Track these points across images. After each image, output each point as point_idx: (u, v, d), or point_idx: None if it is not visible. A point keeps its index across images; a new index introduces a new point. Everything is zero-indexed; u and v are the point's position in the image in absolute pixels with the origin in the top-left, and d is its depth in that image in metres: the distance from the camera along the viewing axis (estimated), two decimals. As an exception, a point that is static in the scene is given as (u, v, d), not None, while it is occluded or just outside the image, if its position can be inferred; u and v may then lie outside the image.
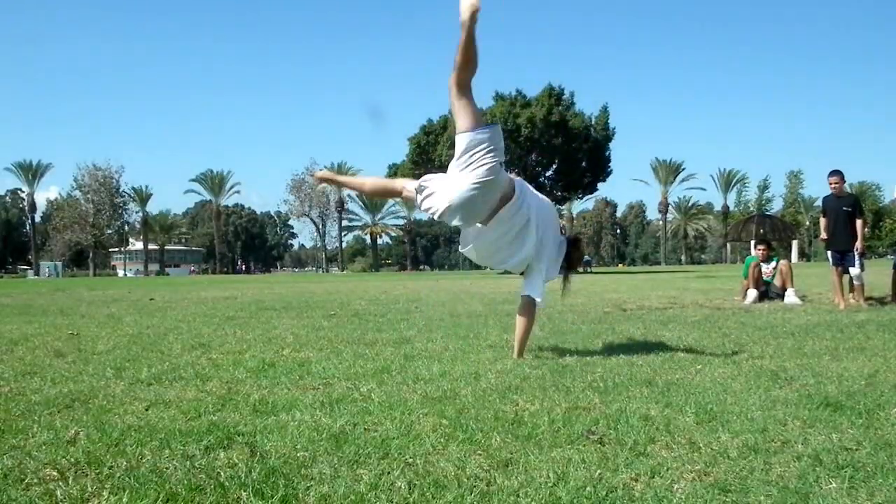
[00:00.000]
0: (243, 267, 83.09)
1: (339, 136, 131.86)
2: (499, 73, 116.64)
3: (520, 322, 3.90)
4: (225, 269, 78.65)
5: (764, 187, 75.29)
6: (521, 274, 3.95)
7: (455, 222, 3.64)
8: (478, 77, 3.51)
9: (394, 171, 41.46)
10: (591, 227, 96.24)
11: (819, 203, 8.96)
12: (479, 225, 3.71)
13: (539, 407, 2.63)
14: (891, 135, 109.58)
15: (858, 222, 8.00)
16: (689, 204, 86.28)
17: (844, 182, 8.23)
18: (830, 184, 8.13)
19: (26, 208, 76.04)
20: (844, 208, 8.04)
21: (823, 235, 8.36)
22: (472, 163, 3.46)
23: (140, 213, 76.95)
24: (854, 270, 7.93)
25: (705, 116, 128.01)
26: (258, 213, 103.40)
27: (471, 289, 14.62)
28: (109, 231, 72.02)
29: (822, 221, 8.38)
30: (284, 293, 13.22)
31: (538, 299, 3.83)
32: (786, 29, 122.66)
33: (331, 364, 3.75)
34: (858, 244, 7.90)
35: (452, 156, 3.57)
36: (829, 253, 8.31)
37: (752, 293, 8.65)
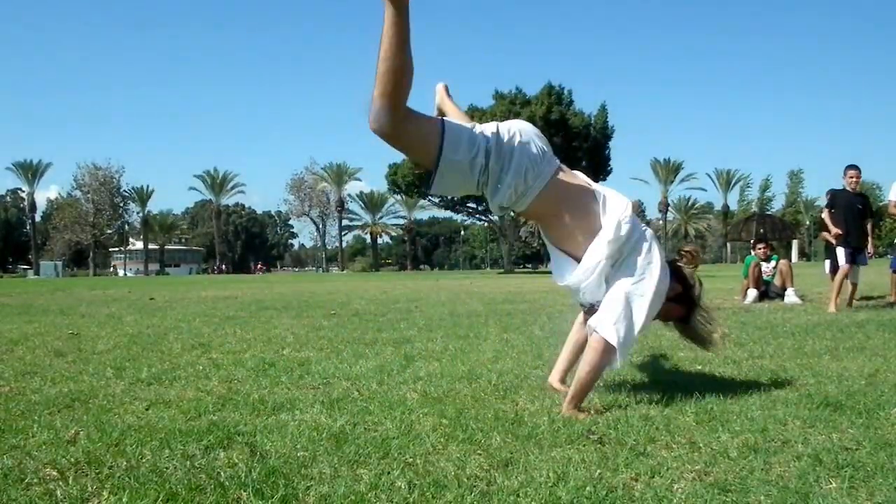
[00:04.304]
0: (223, 266, 77.19)
1: (339, 136, 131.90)
2: (498, 71, 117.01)
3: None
4: (207, 269, 77.43)
5: (765, 187, 75.37)
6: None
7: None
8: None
9: (394, 171, 41.48)
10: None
11: (820, 202, 8.75)
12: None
13: (539, 407, 2.63)
14: (891, 135, 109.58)
15: (869, 222, 7.67)
16: (690, 204, 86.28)
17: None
18: (850, 177, 7.53)
19: (26, 208, 75.93)
20: (859, 206, 7.53)
21: (836, 231, 7.40)
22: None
23: (140, 213, 76.99)
24: (861, 269, 7.65)
25: (705, 116, 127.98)
26: (258, 212, 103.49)
27: (471, 289, 14.63)
28: (109, 231, 72.01)
29: (829, 215, 7.60)
30: (284, 293, 13.22)
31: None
32: (786, 28, 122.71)
33: (331, 364, 3.75)
34: (869, 246, 7.60)
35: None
36: (841, 250, 7.41)
37: (752, 293, 8.65)
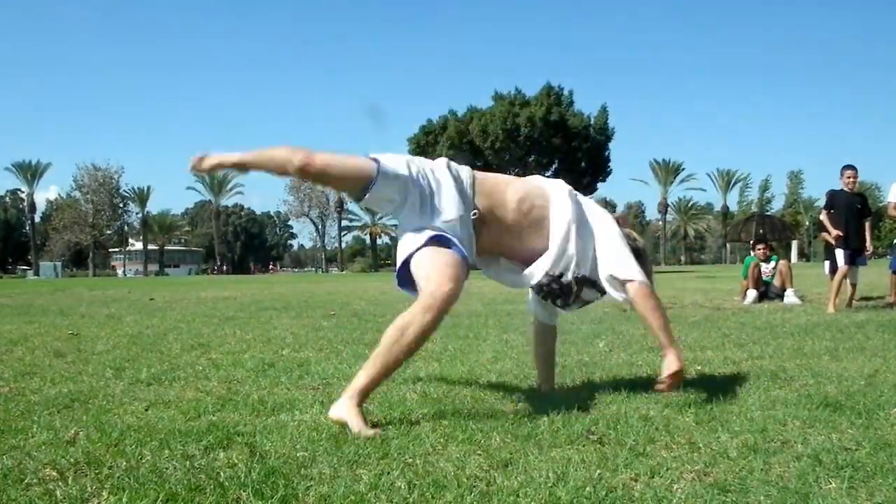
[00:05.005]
0: (223, 267, 77.45)
1: (339, 136, 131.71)
2: (497, 72, 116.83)
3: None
4: (206, 270, 78.03)
5: (765, 188, 75.39)
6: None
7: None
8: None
9: (393, 172, 41.55)
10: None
11: (819, 203, 8.75)
12: None
13: (539, 407, 2.63)
14: (891, 135, 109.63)
15: (867, 221, 7.65)
16: (689, 204, 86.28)
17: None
18: (847, 177, 7.51)
19: (26, 209, 75.91)
20: (858, 205, 7.51)
21: (836, 232, 7.35)
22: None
23: (139, 214, 76.96)
24: (861, 269, 7.64)
25: (705, 116, 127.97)
26: (257, 213, 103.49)
27: (471, 289, 14.62)
28: (109, 231, 71.97)
29: (827, 216, 7.57)
30: (284, 293, 13.21)
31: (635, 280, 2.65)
32: (786, 28, 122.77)
33: (331, 364, 3.75)
34: (868, 244, 7.59)
35: (452, 156, 3.22)
36: (841, 251, 7.41)
37: (752, 293, 8.66)
